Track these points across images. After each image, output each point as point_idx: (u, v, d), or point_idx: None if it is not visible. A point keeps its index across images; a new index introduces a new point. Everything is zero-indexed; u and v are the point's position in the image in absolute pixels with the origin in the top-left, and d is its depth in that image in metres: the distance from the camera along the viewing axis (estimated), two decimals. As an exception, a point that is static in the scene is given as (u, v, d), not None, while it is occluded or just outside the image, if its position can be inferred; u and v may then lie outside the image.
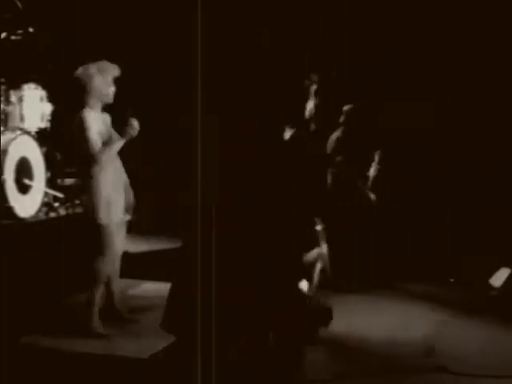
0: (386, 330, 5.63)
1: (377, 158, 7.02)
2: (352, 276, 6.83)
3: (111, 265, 4.98)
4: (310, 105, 2.98)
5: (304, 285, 4.77)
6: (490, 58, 7.54)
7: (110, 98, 5.00)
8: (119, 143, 4.93)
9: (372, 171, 7.00)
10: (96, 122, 4.91)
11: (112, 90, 4.99)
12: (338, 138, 6.95)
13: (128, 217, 5.11)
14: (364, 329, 5.65)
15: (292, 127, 3.00)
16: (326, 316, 4.86)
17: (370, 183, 7.01)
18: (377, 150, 7.03)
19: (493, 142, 7.63)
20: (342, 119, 6.97)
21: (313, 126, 2.99)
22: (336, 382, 4.48)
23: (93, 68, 4.95)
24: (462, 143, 7.68)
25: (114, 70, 4.99)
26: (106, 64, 4.99)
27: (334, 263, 6.83)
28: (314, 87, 2.91)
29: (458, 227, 7.59)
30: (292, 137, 3.03)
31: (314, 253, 4.95)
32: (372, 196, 7.01)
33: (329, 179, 6.98)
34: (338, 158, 6.88)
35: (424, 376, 4.66)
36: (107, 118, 5.09)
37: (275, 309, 3.29)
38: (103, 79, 4.93)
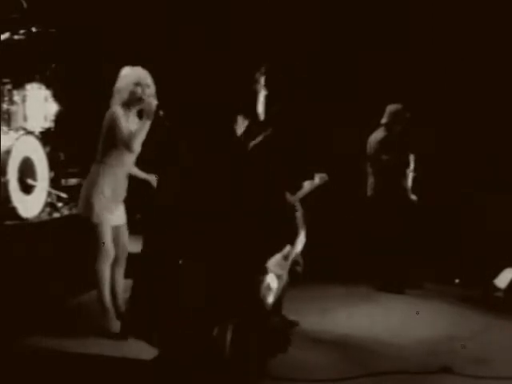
0: (390, 330, 5.62)
1: (412, 161, 7.00)
2: (391, 276, 6.85)
3: (110, 264, 4.96)
4: (261, 96, 2.99)
5: (271, 279, 4.71)
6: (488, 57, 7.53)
7: (133, 101, 4.92)
8: (145, 125, 4.83)
9: (409, 176, 6.99)
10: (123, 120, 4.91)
11: (135, 94, 4.89)
12: (381, 139, 6.92)
13: (125, 221, 5.10)
14: (367, 328, 5.64)
15: (246, 118, 3.04)
16: (282, 341, 4.65)
17: (409, 187, 7.00)
18: (411, 153, 7.02)
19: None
20: (384, 120, 6.94)
21: (262, 117, 3.02)
22: (338, 383, 4.46)
23: (123, 70, 4.99)
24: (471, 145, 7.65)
25: (137, 76, 4.93)
26: (130, 69, 4.98)
27: (374, 263, 6.90)
28: (263, 79, 2.92)
29: (461, 228, 7.58)
30: (244, 132, 3.08)
31: (276, 258, 4.89)
32: (413, 197, 6.99)
33: (370, 179, 6.99)
34: (384, 157, 6.85)
35: (427, 377, 4.65)
36: (135, 121, 5.01)
37: (225, 306, 3.31)
38: (125, 82, 4.93)
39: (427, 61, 7.62)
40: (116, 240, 5.02)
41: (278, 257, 4.94)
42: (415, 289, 6.88)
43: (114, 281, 5.11)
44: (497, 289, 6.64)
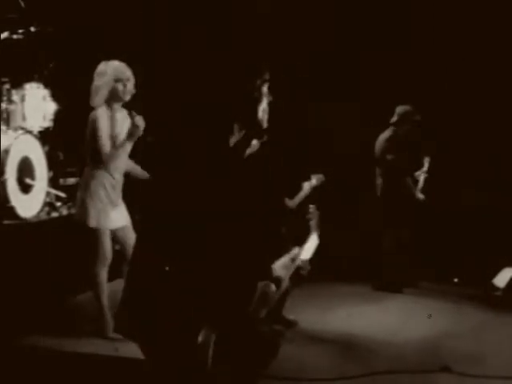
0: (389, 329, 5.62)
1: (426, 164, 7.00)
2: (391, 276, 6.85)
3: (107, 267, 4.93)
4: (264, 104, 2.94)
5: (269, 286, 4.69)
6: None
7: (116, 98, 4.86)
8: (127, 145, 4.82)
9: (421, 177, 6.98)
10: (107, 122, 4.83)
11: (117, 91, 4.83)
12: (388, 139, 6.93)
13: (128, 221, 5.06)
14: (366, 328, 5.64)
15: (242, 128, 2.99)
16: (269, 351, 4.60)
17: (419, 187, 6.98)
18: (426, 155, 7.02)
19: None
20: (393, 120, 6.94)
21: (265, 125, 2.95)
22: (337, 382, 4.45)
23: (98, 67, 4.89)
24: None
25: (115, 72, 4.82)
26: (106, 65, 4.86)
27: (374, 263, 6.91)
28: (266, 86, 2.87)
29: (460, 227, 7.56)
30: (235, 144, 3.04)
31: (283, 260, 4.86)
32: (421, 196, 6.98)
33: (378, 180, 6.99)
34: (389, 157, 6.86)
35: (427, 376, 4.64)
36: (123, 115, 4.95)
37: (213, 308, 3.29)
38: (104, 81, 4.83)
39: (428, 61, 7.61)
40: (121, 241, 4.98)
41: (285, 258, 4.89)
42: (411, 288, 6.88)
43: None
44: (496, 288, 6.64)
